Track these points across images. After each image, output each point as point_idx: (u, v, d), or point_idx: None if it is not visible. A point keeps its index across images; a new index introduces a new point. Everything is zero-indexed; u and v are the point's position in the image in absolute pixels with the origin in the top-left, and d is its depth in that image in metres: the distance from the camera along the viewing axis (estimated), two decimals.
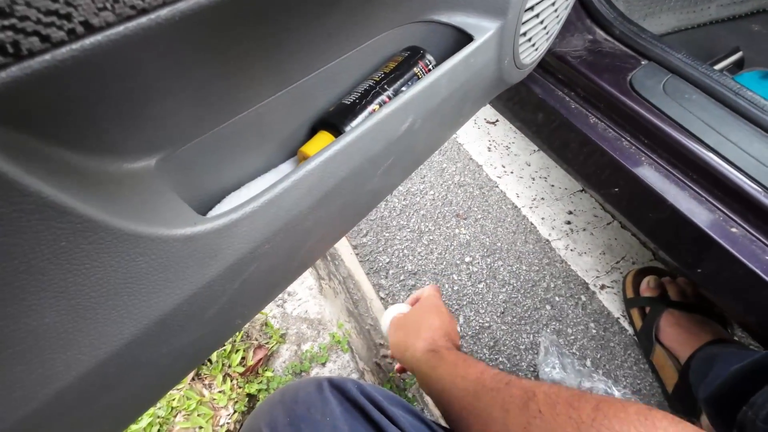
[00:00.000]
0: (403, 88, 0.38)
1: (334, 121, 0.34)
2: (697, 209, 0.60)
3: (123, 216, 0.20)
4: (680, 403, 0.73)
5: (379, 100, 0.36)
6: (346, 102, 0.35)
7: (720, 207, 0.60)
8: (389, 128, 0.35)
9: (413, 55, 0.40)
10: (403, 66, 0.39)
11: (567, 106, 0.76)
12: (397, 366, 0.68)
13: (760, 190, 0.56)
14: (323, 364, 0.66)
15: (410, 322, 0.60)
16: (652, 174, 0.65)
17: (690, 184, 0.62)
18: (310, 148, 0.33)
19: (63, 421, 0.23)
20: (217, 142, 0.30)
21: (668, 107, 0.65)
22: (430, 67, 0.40)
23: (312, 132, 0.36)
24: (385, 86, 0.37)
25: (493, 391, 0.38)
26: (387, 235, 1.00)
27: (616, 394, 0.74)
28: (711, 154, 0.60)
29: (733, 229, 0.57)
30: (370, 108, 0.36)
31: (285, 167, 0.35)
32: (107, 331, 0.21)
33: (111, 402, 0.26)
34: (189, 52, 0.22)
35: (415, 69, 0.39)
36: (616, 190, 0.70)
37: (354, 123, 0.35)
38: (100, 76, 0.17)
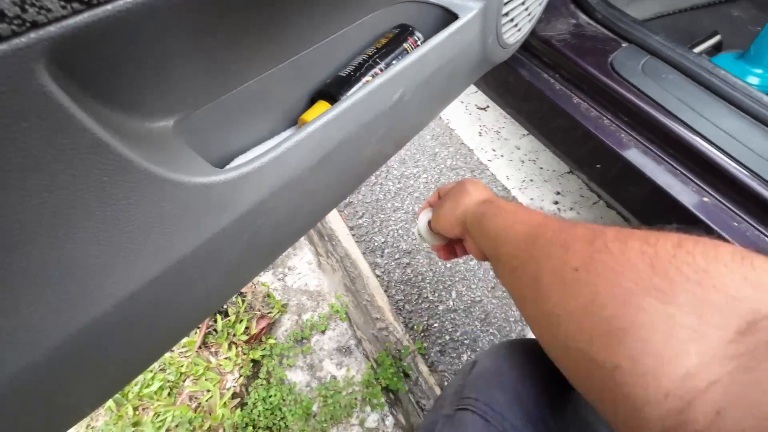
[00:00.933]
0: (394, 62, 0.41)
1: (331, 90, 0.38)
2: (672, 182, 0.64)
3: (152, 161, 0.23)
4: None
5: (372, 72, 0.40)
6: (342, 74, 0.39)
7: (693, 179, 0.63)
8: (381, 98, 0.38)
9: (403, 32, 0.43)
10: (393, 42, 0.42)
11: (552, 88, 0.79)
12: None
13: (730, 162, 0.60)
14: (323, 332, 0.70)
15: (454, 192, 0.51)
16: (631, 150, 0.69)
17: (666, 158, 0.66)
18: (309, 115, 0.37)
19: (96, 350, 0.27)
20: (227, 109, 0.33)
21: (646, 86, 0.69)
22: (419, 43, 0.44)
23: (311, 102, 0.39)
24: (378, 60, 0.40)
25: (555, 232, 0.32)
26: (382, 216, 1.04)
27: None
28: (685, 130, 0.63)
29: (705, 199, 0.61)
30: (364, 79, 0.39)
31: (287, 134, 0.38)
32: (138, 264, 0.25)
33: (137, 338, 0.29)
34: (204, 18, 0.25)
35: (404, 44, 0.42)
36: (599, 166, 0.74)
37: (349, 93, 0.38)
38: (137, 36, 0.20)
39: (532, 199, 1.07)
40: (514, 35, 0.56)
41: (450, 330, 0.87)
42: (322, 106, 0.37)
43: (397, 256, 0.98)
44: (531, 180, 1.11)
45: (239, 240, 0.32)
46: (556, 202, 1.07)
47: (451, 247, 0.55)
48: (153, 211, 0.24)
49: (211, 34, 0.27)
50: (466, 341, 0.85)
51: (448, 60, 0.45)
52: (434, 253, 0.64)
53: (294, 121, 0.39)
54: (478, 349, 0.85)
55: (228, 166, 0.33)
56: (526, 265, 0.32)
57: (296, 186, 0.34)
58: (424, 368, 0.82)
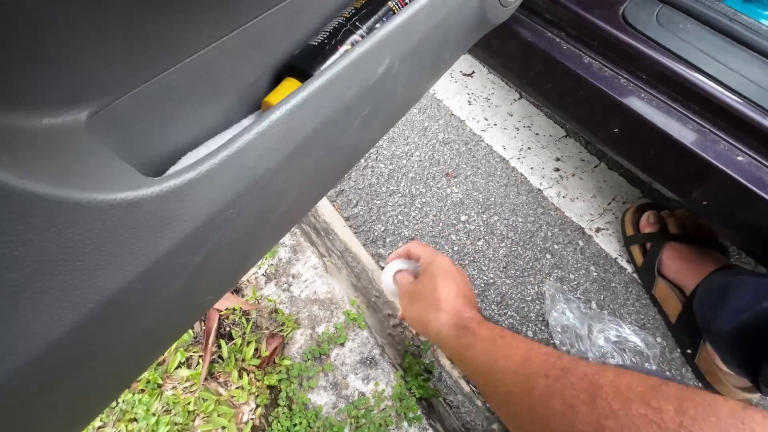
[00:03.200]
0: (377, 25, 0.33)
1: (301, 65, 0.30)
2: (701, 141, 0.57)
3: (39, 179, 0.16)
4: (685, 332, 0.73)
5: (351, 39, 0.32)
6: (314, 43, 0.31)
7: (724, 137, 0.57)
8: (364, 71, 0.31)
9: None
10: (376, 0, 0.34)
11: (559, 48, 0.71)
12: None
13: (763, 114, 0.53)
14: (342, 345, 0.63)
15: (424, 292, 0.52)
16: (652, 110, 0.61)
17: (692, 116, 0.59)
18: (275, 97, 0.29)
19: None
20: (164, 93, 0.25)
21: (664, 38, 0.61)
22: (407, 1, 0.36)
23: (277, 80, 0.32)
24: (357, 23, 0.33)
25: (549, 379, 0.34)
26: (378, 202, 0.97)
27: (627, 332, 0.73)
28: (712, 83, 0.56)
29: (739, 158, 0.55)
30: (341, 49, 0.32)
31: (249, 122, 0.31)
32: (40, 318, 0.18)
33: (65, 396, 0.23)
34: None
35: (390, 3, 0.35)
36: (617, 130, 0.66)
37: (323, 66, 0.30)
38: None
39: (532, 168, 1.00)
40: None
41: None
42: (290, 84, 0.30)
43: (400, 245, 0.91)
44: (528, 148, 1.04)
45: (192, 262, 0.25)
46: (558, 169, 1.00)
47: None
48: (52, 246, 0.17)
49: None
50: None
51: (441, 20, 0.37)
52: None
53: (257, 105, 0.32)
54: None
55: (168, 172, 0.26)
56: (525, 418, 0.34)
57: (262, 188, 0.27)
58: (445, 362, 0.76)
